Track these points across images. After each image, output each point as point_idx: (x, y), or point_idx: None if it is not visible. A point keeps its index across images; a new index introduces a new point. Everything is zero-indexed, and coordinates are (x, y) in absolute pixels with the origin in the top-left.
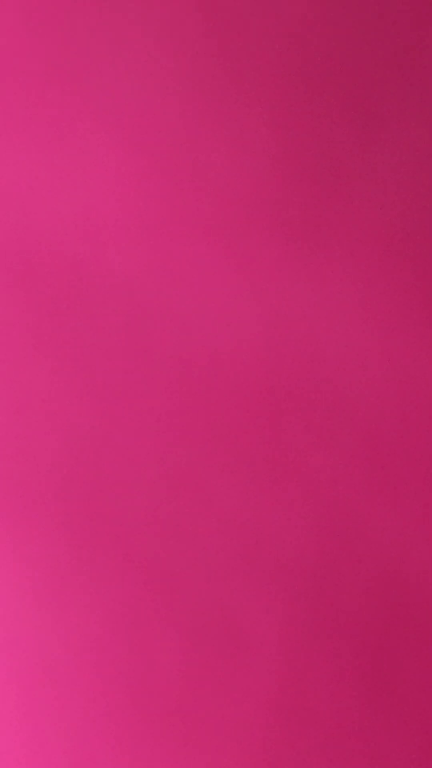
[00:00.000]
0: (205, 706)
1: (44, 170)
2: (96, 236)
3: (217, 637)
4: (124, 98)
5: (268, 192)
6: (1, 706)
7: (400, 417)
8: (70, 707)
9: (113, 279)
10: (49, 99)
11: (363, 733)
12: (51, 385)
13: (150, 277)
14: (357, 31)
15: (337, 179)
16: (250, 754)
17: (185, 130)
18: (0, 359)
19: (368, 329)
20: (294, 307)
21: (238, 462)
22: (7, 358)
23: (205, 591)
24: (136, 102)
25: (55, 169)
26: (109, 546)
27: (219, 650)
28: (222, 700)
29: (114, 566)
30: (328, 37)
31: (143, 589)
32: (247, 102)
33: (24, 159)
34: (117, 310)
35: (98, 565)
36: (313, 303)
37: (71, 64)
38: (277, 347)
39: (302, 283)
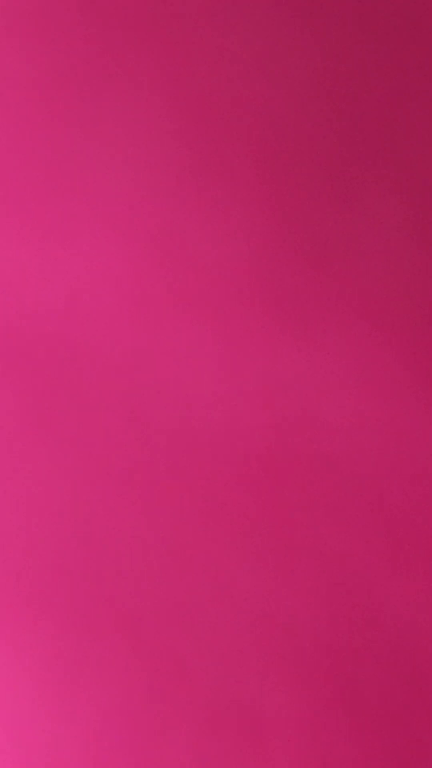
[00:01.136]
0: None
1: (37, 254)
2: (90, 319)
3: (231, 725)
4: (117, 181)
5: (259, 271)
6: None
7: (404, 485)
8: None
9: (106, 362)
10: (43, 184)
11: None
12: (42, 466)
13: (145, 357)
14: (338, 115)
15: (326, 255)
16: None
17: (176, 212)
18: None
19: (367, 400)
20: (291, 382)
21: (244, 539)
22: (1, 443)
23: (215, 677)
24: (127, 185)
25: (47, 252)
26: (114, 633)
27: (234, 738)
28: None
29: (119, 656)
30: (313, 119)
31: (151, 678)
32: (235, 184)
33: (16, 242)
34: (112, 393)
35: (102, 656)
36: (310, 377)
37: (64, 149)
38: (276, 422)
39: (296, 356)
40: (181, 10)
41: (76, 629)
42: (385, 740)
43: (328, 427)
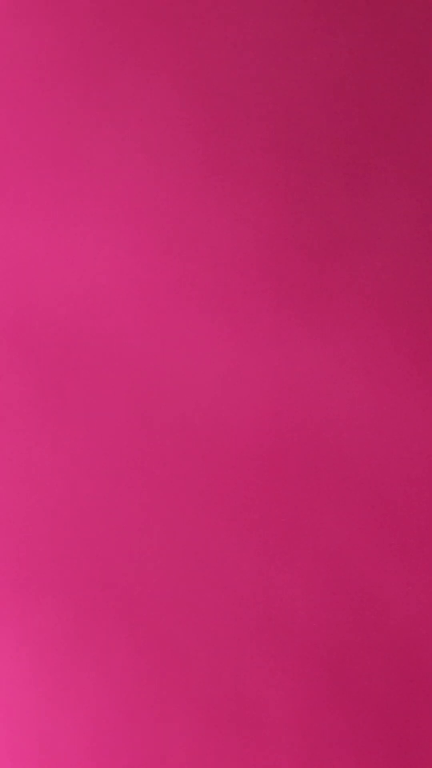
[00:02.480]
0: None
1: (45, 243)
2: (97, 308)
3: (230, 715)
4: (124, 170)
5: (267, 260)
6: None
7: (409, 478)
8: None
9: (115, 351)
10: (51, 174)
11: None
12: (49, 454)
13: (152, 345)
14: (350, 104)
15: (334, 245)
16: None
17: (185, 201)
18: (0, 431)
19: (371, 389)
20: (297, 373)
21: (246, 530)
22: (8, 430)
23: (215, 666)
24: (135, 174)
25: (55, 242)
26: (114, 622)
27: (232, 727)
28: None
29: (119, 643)
30: (321, 110)
31: (151, 667)
32: (243, 174)
33: (25, 231)
34: (119, 382)
35: (103, 643)
36: (316, 367)
37: (73, 139)
38: (281, 413)
39: (303, 346)
40: None
41: (76, 615)
42: (382, 732)
43: (333, 418)
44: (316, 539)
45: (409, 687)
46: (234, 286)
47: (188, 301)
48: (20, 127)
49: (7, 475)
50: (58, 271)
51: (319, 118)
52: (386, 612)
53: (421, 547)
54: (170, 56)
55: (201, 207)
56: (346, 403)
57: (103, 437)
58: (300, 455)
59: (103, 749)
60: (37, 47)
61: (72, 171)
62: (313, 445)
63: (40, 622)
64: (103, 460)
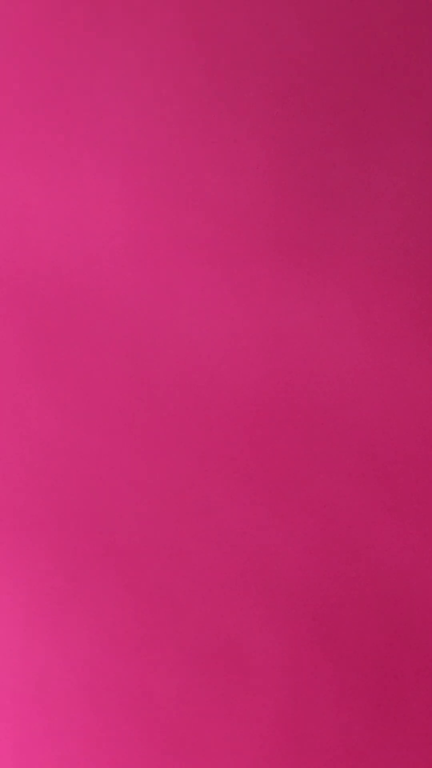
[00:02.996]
0: (206, 730)
1: (41, 192)
2: (94, 258)
3: (218, 660)
4: (121, 121)
5: (265, 213)
6: None
7: (401, 434)
8: (67, 732)
9: (111, 301)
10: (47, 122)
11: (368, 757)
12: (48, 407)
13: (148, 298)
14: (352, 51)
15: (334, 199)
16: None
17: (181, 152)
18: None
19: (368, 347)
20: (293, 327)
21: (239, 482)
22: (3, 381)
23: (205, 614)
24: (132, 125)
25: (51, 191)
26: (107, 570)
27: (220, 673)
28: (224, 722)
29: (112, 590)
30: (322, 58)
31: (143, 613)
32: (242, 124)
33: (20, 180)
34: (115, 332)
35: (96, 589)
36: (312, 322)
37: (69, 86)
38: (276, 367)
39: (300, 303)
40: None
41: (68, 563)
42: (369, 681)
43: (329, 374)
44: (307, 491)
45: (396, 638)
46: (232, 237)
47: (185, 252)
48: (11, 59)
49: (1, 432)
50: (54, 222)
51: (323, 64)
52: (374, 565)
53: (413, 502)
54: None
55: (200, 156)
56: (342, 359)
57: (99, 392)
58: (295, 410)
59: (92, 692)
60: None
61: (68, 118)
62: (308, 400)
63: (32, 568)
64: (97, 410)
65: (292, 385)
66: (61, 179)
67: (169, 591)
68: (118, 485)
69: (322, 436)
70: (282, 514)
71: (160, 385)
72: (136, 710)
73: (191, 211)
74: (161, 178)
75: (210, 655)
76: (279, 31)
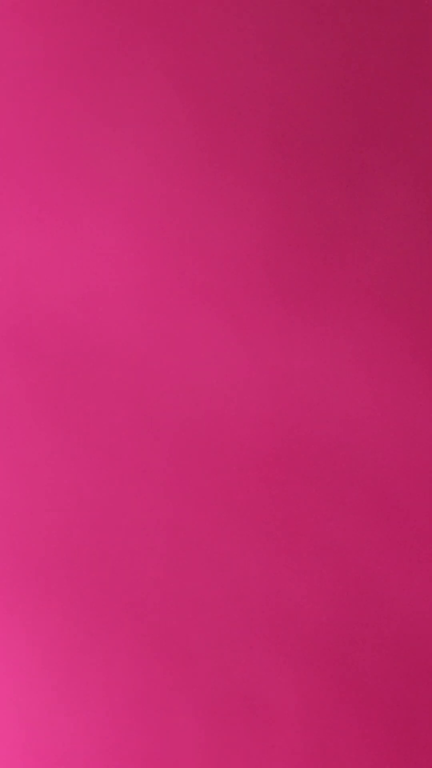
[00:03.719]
0: None
1: (45, 243)
2: (97, 307)
3: (236, 710)
4: (123, 171)
5: (265, 257)
6: None
7: (409, 472)
8: None
9: (115, 349)
10: (50, 174)
11: None
12: (54, 456)
13: (152, 346)
14: (347, 99)
15: (333, 242)
16: None
17: (182, 201)
18: (2, 431)
19: (371, 386)
20: (296, 369)
21: (250, 528)
22: (10, 430)
23: (221, 663)
24: (133, 175)
25: (55, 242)
26: (120, 621)
27: (239, 723)
28: None
29: (126, 641)
30: (319, 105)
31: (158, 664)
32: (242, 171)
33: (25, 231)
34: (119, 380)
35: (110, 642)
36: (315, 364)
37: (71, 139)
38: (281, 409)
39: (303, 344)
40: None
41: (83, 615)
42: (387, 724)
43: (334, 413)
44: (318, 534)
45: (411, 678)
46: (234, 282)
47: (188, 299)
48: (19, 130)
49: (9, 476)
50: (59, 270)
51: (319, 113)
52: (388, 605)
53: (422, 541)
54: (167, 54)
55: (200, 204)
56: (346, 398)
57: (105, 436)
58: (301, 450)
59: (111, 746)
60: (34, 49)
61: (71, 171)
62: (315, 440)
63: (47, 622)
64: (106, 459)
65: (297, 426)
66: (63, 231)
67: (182, 640)
68: (127, 536)
69: (330, 477)
70: (292, 555)
71: (166, 429)
72: (154, 764)
73: (192, 258)
74: (162, 228)
75: (227, 705)
76: (276, 82)
